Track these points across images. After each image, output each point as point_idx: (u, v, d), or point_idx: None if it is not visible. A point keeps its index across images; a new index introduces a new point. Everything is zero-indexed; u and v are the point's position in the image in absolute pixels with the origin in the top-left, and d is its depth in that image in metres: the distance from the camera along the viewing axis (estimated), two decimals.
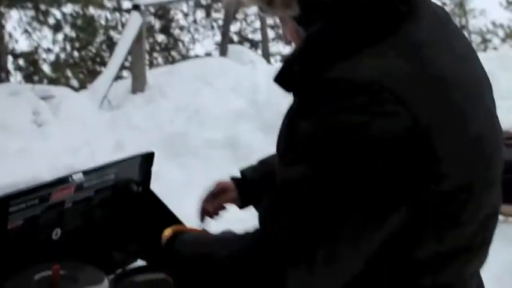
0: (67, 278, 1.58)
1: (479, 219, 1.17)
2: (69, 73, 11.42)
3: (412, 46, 1.08)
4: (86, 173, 1.70)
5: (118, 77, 10.10)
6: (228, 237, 1.27)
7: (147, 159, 1.93)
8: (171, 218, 1.82)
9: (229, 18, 16.26)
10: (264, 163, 1.86)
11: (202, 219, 1.89)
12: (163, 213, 1.87)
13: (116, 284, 1.69)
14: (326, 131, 1.02)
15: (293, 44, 1.32)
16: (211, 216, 1.90)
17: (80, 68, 14.84)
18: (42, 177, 4.11)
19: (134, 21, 9.94)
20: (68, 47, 13.61)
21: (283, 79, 1.17)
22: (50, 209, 1.65)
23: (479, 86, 1.21)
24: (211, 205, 1.87)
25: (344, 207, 1.02)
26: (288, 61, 1.17)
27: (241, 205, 1.87)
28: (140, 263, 1.95)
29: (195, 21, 20.32)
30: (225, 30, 15.49)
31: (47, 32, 10.50)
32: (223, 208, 1.89)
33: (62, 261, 1.64)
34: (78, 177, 1.68)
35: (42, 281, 1.56)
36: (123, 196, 1.89)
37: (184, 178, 5.62)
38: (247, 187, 1.83)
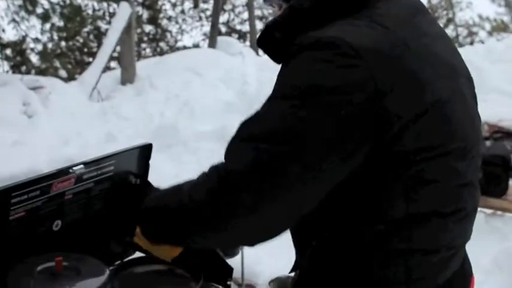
0: (69, 269, 1.59)
1: (448, 185, 1.25)
2: (57, 63, 11.32)
3: (379, 17, 1.24)
4: (86, 164, 1.71)
5: (107, 68, 10.05)
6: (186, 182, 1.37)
7: (145, 150, 1.94)
8: None
9: (219, 9, 16.20)
10: None
11: None
12: None
13: (116, 276, 1.70)
14: (296, 75, 1.19)
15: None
16: None
17: (68, 58, 14.76)
18: (39, 168, 4.11)
19: (123, 11, 9.89)
20: (56, 37, 13.52)
21: (264, 43, 1.36)
22: (50, 200, 1.65)
23: (448, 66, 1.31)
24: None
25: (299, 143, 1.14)
26: (268, 27, 1.34)
27: None
28: (138, 255, 1.97)
29: (183, 12, 20.24)
30: (214, 21, 15.43)
31: (35, 21, 10.41)
32: None
33: (62, 252, 1.65)
34: (78, 168, 1.69)
35: (44, 271, 1.57)
36: (121, 187, 1.90)
37: (174, 169, 5.62)
38: None
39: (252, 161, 1.16)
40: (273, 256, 3.33)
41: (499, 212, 4.66)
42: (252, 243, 1.29)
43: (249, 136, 1.20)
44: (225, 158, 1.24)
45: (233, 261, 1.93)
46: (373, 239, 1.24)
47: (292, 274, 1.76)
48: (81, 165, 1.69)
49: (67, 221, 1.75)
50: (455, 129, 1.26)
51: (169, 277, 1.85)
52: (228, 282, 1.88)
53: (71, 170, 1.66)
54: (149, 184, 1.97)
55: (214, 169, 1.26)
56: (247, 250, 1.99)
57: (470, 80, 1.40)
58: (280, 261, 3.09)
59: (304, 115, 1.14)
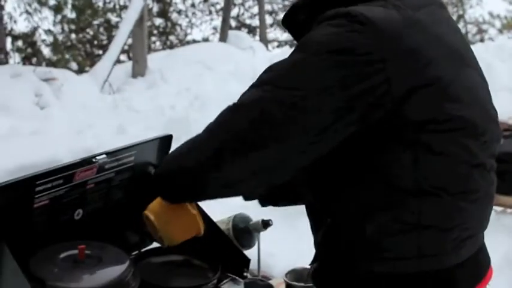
0: (91, 257, 1.62)
1: (458, 161, 1.27)
2: (67, 56, 11.37)
3: (396, 1, 1.30)
4: (108, 154, 1.73)
5: (117, 60, 10.07)
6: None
7: (165, 141, 1.96)
8: None
9: (230, 3, 16.20)
10: None
11: None
12: None
13: (135, 265, 1.72)
14: (311, 37, 1.26)
15: None
16: None
17: (78, 50, 14.80)
18: (58, 158, 4.15)
19: (136, 4, 9.91)
20: (66, 29, 13.56)
21: (288, 23, 1.44)
22: (73, 189, 1.68)
23: (457, 53, 1.35)
24: None
25: (302, 91, 1.21)
26: (293, 8, 1.42)
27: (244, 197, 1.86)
28: (155, 245, 1.99)
29: (193, 5, 20.26)
30: (225, 16, 15.44)
31: (47, 13, 10.45)
32: None
33: (85, 241, 1.67)
34: (101, 158, 1.71)
35: (67, 259, 1.60)
36: (141, 178, 1.92)
37: None
38: None
39: (258, 99, 1.24)
40: (286, 250, 3.36)
41: (509, 210, 4.67)
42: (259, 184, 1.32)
43: (261, 81, 1.28)
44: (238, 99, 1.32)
45: (249, 254, 1.95)
46: (383, 212, 1.27)
47: (308, 266, 1.79)
48: (104, 155, 1.71)
49: (88, 210, 1.78)
50: (461, 109, 1.28)
51: (187, 267, 1.88)
52: (245, 273, 1.90)
53: (94, 160, 1.69)
54: None
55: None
56: (262, 244, 2.02)
57: (480, 72, 1.43)
58: (293, 255, 3.11)
59: (309, 66, 1.23)
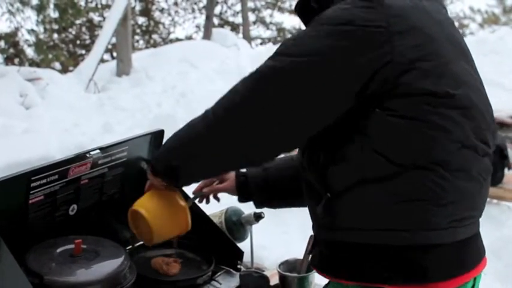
0: (88, 251, 1.63)
1: (452, 138, 1.31)
2: (50, 56, 11.27)
3: None
4: (102, 149, 1.75)
5: (101, 60, 10.03)
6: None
7: (157, 136, 1.97)
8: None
9: (213, 1, 16.17)
10: (267, 168, 1.89)
11: (195, 192, 1.90)
12: None
13: (130, 259, 1.73)
14: (322, 15, 1.35)
15: None
16: (204, 197, 1.93)
17: (61, 50, 14.70)
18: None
19: (119, 3, 9.87)
20: (49, 29, 13.46)
21: (301, 11, 1.50)
22: (67, 184, 1.69)
23: (455, 42, 1.41)
24: (208, 187, 1.90)
25: (311, 58, 1.30)
26: None
27: (239, 198, 1.91)
28: None
29: (175, 4, 20.18)
30: (208, 13, 15.39)
31: (30, 12, 10.36)
32: (217, 193, 1.92)
33: (80, 235, 1.69)
34: (95, 153, 1.72)
35: (64, 253, 1.61)
36: (134, 173, 1.93)
37: None
38: (247, 183, 1.87)
39: (271, 68, 1.34)
40: (276, 243, 3.39)
41: (494, 200, 4.72)
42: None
43: (274, 53, 1.37)
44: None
45: (241, 247, 1.97)
46: (377, 184, 1.30)
47: (299, 257, 1.81)
48: (98, 150, 1.73)
49: (82, 205, 1.79)
50: (458, 88, 1.33)
51: (182, 260, 1.90)
52: (238, 266, 1.92)
53: (88, 155, 1.70)
54: None
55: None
56: (253, 237, 2.04)
57: (476, 72, 1.46)
58: (283, 247, 3.15)
59: (319, 36, 1.31)
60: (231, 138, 1.37)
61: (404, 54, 1.29)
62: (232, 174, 1.89)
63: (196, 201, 1.88)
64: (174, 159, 1.47)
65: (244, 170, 1.89)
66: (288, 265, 1.85)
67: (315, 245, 1.54)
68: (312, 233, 1.55)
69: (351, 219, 1.35)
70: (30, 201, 1.60)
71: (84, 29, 17.51)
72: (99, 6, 16.29)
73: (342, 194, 1.34)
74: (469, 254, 1.39)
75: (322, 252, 1.45)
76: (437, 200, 1.30)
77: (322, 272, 1.46)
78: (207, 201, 1.94)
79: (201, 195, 1.91)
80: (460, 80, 1.35)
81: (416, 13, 1.34)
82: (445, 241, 1.33)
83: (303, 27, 1.48)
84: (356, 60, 1.28)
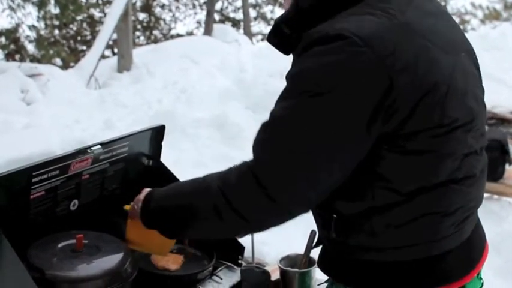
0: (89, 247, 1.63)
1: (459, 156, 1.30)
2: (51, 51, 11.27)
3: (382, 3, 1.28)
4: (103, 144, 1.75)
5: (102, 56, 10.01)
6: (203, 180, 1.37)
7: (158, 132, 1.98)
8: None
9: None
10: None
11: None
12: None
13: (133, 254, 1.74)
14: (310, 70, 1.23)
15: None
16: None
17: (62, 46, 14.69)
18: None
19: None
20: (50, 25, 13.44)
21: (275, 39, 1.41)
22: (69, 180, 1.69)
23: (448, 39, 1.35)
24: None
25: (321, 132, 1.21)
26: (277, 23, 1.39)
27: None
28: None
29: None
30: (210, 9, 15.36)
31: (30, 8, 10.35)
32: None
33: (81, 230, 1.69)
34: (96, 148, 1.73)
35: (65, 248, 1.61)
36: (134, 168, 1.94)
37: (173, 156, 5.65)
38: None
39: (280, 159, 1.24)
40: (277, 238, 3.38)
41: (495, 196, 4.73)
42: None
43: (275, 137, 1.26)
44: (255, 157, 1.28)
45: (241, 242, 1.97)
46: (391, 211, 1.29)
47: (301, 252, 1.82)
48: (98, 146, 1.73)
49: (83, 200, 1.80)
50: (459, 107, 1.30)
51: (183, 255, 1.90)
52: (239, 261, 1.93)
53: (89, 150, 1.70)
54: (162, 165, 2.01)
55: (246, 167, 1.28)
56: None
57: (470, 52, 1.44)
58: (284, 242, 3.14)
59: (324, 107, 1.21)
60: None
61: (406, 97, 1.22)
62: None
63: None
64: (173, 227, 1.43)
65: None
66: (289, 260, 1.86)
67: (317, 242, 1.55)
68: (312, 228, 1.55)
69: (362, 239, 1.33)
70: (32, 197, 1.60)
71: (85, 24, 17.49)
72: (100, 2, 16.25)
73: (351, 216, 1.33)
74: (475, 247, 1.43)
75: (332, 260, 1.44)
76: (446, 210, 1.32)
77: (333, 278, 1.45)
78: None
79: None
80: (460, 95, 1.31)
81: (405, 44, 1.23)
82: (454, 245, 1.35)
83: None
84: (365, 118, 1.21)
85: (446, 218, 1.32)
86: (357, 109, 1.20)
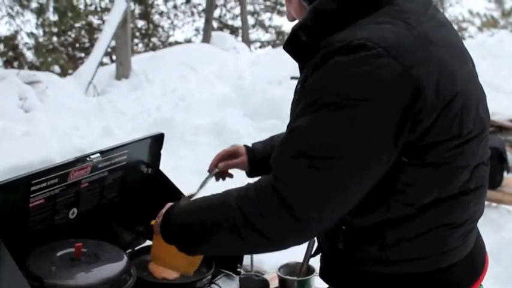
0: (88, 255, 1.63)
1: (471, 167, 1.31)
2: (49, 59, 11.26)
3: (400, 13, 1.26)
4: (102, 153, 1.75)
5: (100, 63, 10.02)
6: (224, 197, 1.32)
7: (157, 140, 1.98)
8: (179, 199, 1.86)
9: (212, 4, 16.17)
10: (274, 138, 1.89)
11: (210, 170, 1.88)
12: (172, 194, 1.91)
13: (131, 262, 1.74)
14: (334, 82, 1.18)
15: (296, 20, 1.44)
16: (220, 175, 1.90)
17: (60, 53, 14.70)
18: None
19: (118, 6, 9.87)
20: (48, 32, 13.45)
21: (291, 47, 1.35)
22: (68, 188, 1.70)
23: (459, 50, 1.36)
24: (223, 162, 1.87)
25: (350, 147, 1.17)
26: (295, 31, 1.33)
27: (249, 173, 1.87)
28: (148, 243, 2.00)
29: (175, 7, 20.19)
30: (208, 16, 15.40)
31: (29, 16, 10.35)
32: (231, 168, 1.88)
33: (80, 239, 1.69)
34: (95, 157, 1.73)
35: (64, 257, 1.61)
36: (134, 176, 1.94)
37: (171, 163, 5.65)
38: (256, 157, 1.85)
39: (307, 177, 1.19)
40: None
41: (493, 204, 4.73)
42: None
43: (300, 152, 1.20)
44: (277, 175, 1.23)
45: None
46: (403, 224, 1.28)
47: (299, 261, 1.81)
48: (98, 154, 1.73)
49: (82, 209, 1.80)
50: (475, 114, 1.31)
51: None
52: (238, 269, 1.93)
53: (88, 159, 1.70)
54: (161, 173, 2.01)
55: (269, 186, 1.24)
56: None
57: (472, 61, 1.45)
58: (283, 250, 3.14)
59: (351, 120, 1.17)
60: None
61: (432, 103, 1.20)
62: (243, 149, 1.87)
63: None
64: (191, 242, 1.39)
65: (250, 145, 1.88)
66: (288, 268, 1.85)
67: (317, 250, 1.55)
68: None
69: (372, 251, 1.33)
70: (31, 205, 1.60)
71: (83, 32, 17.49)
72: (99, 9, 16.25)
73: (363, 229, 1.33)
74: (478, 258, 1.44)
75: (335, 270, 1.44)
76: (456, 221, 1.33)
77: None
78: (223, 178, 1.90)
79: (217, 172, 1.87)
80: (475, 104, 1.32)
81: (431, 48, 1.23)
82: (460, 257, 1.36)
83: None
84: (392, 129, 1.19)
85: (455, 230, 1.32)
86: (385, 121, 1.18)
